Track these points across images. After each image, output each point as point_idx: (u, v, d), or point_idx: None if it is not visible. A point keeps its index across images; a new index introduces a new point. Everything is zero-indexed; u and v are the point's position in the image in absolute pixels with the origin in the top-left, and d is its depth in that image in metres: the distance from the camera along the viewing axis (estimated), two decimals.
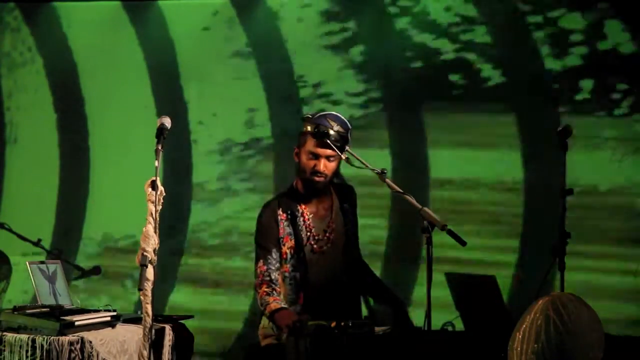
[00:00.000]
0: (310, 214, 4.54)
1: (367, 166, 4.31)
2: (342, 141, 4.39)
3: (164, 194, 3.83)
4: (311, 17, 6.88)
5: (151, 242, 3.76)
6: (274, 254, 4.48)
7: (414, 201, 3.96)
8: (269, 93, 6.95)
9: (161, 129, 3.96)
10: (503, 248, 6.54)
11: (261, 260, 4.48)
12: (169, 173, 6.79)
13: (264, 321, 4.51)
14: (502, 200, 6.58)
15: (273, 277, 4.45)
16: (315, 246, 4.53)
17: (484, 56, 6.60)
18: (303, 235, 4.51)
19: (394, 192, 4.07)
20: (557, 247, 4.86)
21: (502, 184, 6.58)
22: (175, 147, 6.79)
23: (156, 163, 3.82)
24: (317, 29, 6.87)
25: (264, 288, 4.44)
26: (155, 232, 3.77)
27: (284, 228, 4.51)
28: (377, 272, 5.31)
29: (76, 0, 7.16)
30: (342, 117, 4.48)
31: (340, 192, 4.66)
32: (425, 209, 3.87)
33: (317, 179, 4.47)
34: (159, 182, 3.81)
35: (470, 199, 6.63)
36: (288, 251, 4.50)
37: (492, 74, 6.59)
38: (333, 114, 4.48)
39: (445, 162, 6.67)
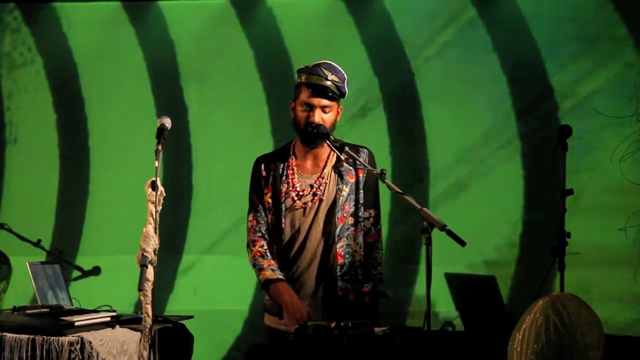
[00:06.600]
0: (296, 167, 4.42)
1: (366, 167, 4.30)
2: (338, 91, 4.32)
3: (164, 194, 3.83)
4: (312, 18, 6.88)
5: (151, 243, 3.76)
6: (261, 208, 4.42)
7: (413, 201, 3.94)
8: (269, 93, 6.94)
9: (161, 129, 3.96)
10: (503, 247, 6.54)
11: (251, 215, 4.43)
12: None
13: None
14: (502, 199, 6.58)
15: (264, 230, 4.40)
16: (297, 201, 4.41)
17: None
18: (283, 188, 4.40)
19: (393, 193, 4.06)
20: (557, 247, 4.86)
21: (502, 183, 6.58)
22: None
23: (156, 163, 3.82)
24: (318, 29, 6.87)
25: (257, 247, 4.39)
26: (155, 232, 3.77)
27: (267, 179, 4.42)
28: None
29: (76, 0, 7.16)
30: (337, 66, 4.36)
31: (341, 151, 4.35)
32: (425, 209, 3.86)
33: (311, 130, 4.32)
34: (159, 183, 3.82)
35: (470, 198, 6.62)
36: (270, 201, 4.40)
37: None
38: (327, 63, 4.37)
39: (445, 161, 6.67)
